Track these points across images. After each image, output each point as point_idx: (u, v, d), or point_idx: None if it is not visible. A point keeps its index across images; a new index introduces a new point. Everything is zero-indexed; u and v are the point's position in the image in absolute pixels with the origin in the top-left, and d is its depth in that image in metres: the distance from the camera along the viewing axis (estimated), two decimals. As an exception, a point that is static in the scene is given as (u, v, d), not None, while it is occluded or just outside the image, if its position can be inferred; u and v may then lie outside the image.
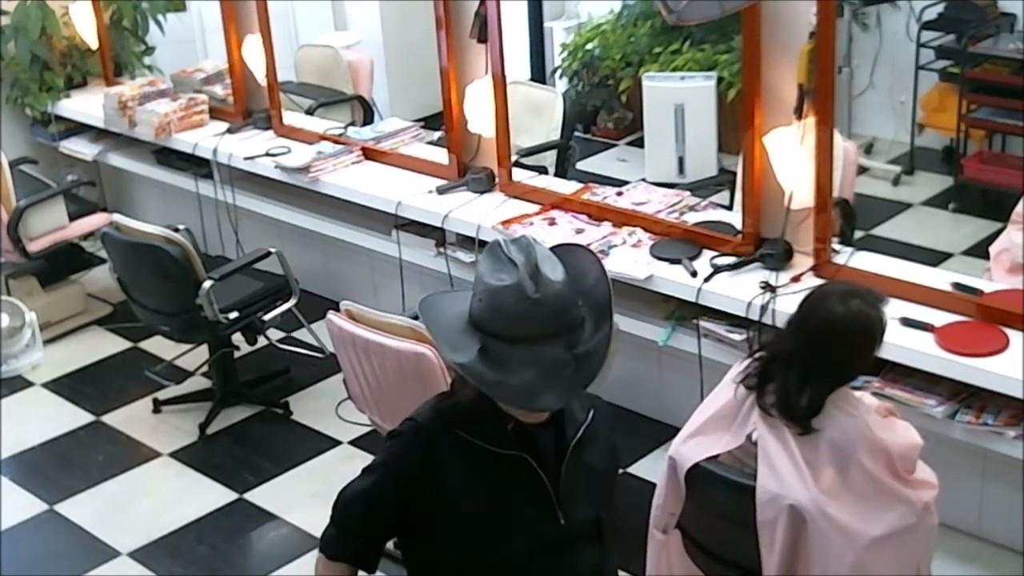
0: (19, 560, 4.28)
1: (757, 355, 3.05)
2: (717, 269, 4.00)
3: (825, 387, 2.91)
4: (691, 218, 4.33)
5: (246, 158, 5.37)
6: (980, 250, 4.93)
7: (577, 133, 6.54)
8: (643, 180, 4.90)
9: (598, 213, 4.45)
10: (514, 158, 4.82)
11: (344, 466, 4.52)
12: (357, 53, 6.48)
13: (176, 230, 4.77)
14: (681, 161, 6.27)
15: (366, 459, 2.49)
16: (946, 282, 3.78)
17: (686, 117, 6.21)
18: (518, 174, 4.77)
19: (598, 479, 2.45)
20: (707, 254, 4.11)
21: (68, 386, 5.35)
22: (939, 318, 3.65)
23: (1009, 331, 3.55)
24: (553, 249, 2.33)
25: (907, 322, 3.64)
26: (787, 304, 3.65)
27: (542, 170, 5.02)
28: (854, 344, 2.92)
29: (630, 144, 6.99)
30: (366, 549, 2.44)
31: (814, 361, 2.91)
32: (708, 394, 3.21)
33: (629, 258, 4.16)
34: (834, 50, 3.74)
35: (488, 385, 2.25)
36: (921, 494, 2.99)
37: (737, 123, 4.66)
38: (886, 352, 3.59)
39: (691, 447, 3.09)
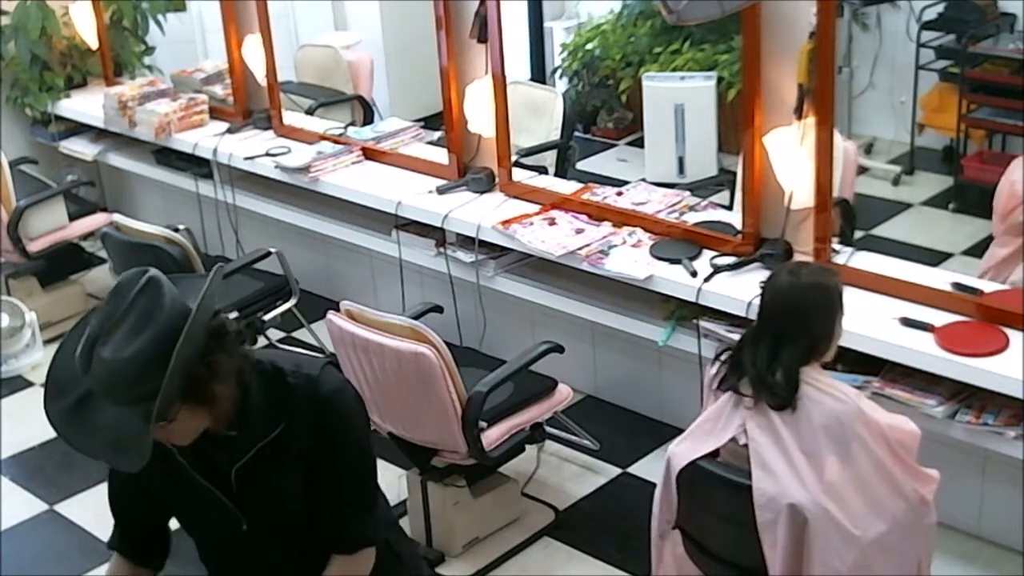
0: (19, 560, 4.28)
1: (724, 357, 3.07)
2: (717, 269, 4.00)
3: (794, 359, 2.93)
4: (691, 218, 4.32)
5: (246, 158, 5.37)
6: (980, 250, 4.91)
7: (577, 133, 6.54)
8: (643, 180, 4.89)
9: (598, 213, 4.45)
10: (514, 158, 4.81)
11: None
12: (357, 53, 6.48)
13: (176, 230, 4.77)
14: (681, 161, 6.26)
15: (365, 459, 2.49)
16: (946, 282, 3.78)
17: (686, 117, 6.20)
18: (518, 174, 4.77)
19: (294, 484, 2.46)
20: (707, 254, 4.11)
21: (68, 386, 5.34)
22: (939, 318, 3.64)
23: (1009, 331, 3.55)
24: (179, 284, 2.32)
25: (907, 322, 3.64)
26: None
27: (542, 170, 5.02)
28: (809, 308, 2.95)
29: (630, 144, 6.99)
30: (133, 540, 2.65)
31: (776, 334, 2.94)
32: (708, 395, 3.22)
33: (629, 258, 4.16)
34: (834, 50, 3.73)
35: (71, 440, 2.31)
36: (921, 487, 2.99)
37: (737, 123, 4.66)
38: (886, 352, 3.61)
39: (683, 449, 3.11)
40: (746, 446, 2.97)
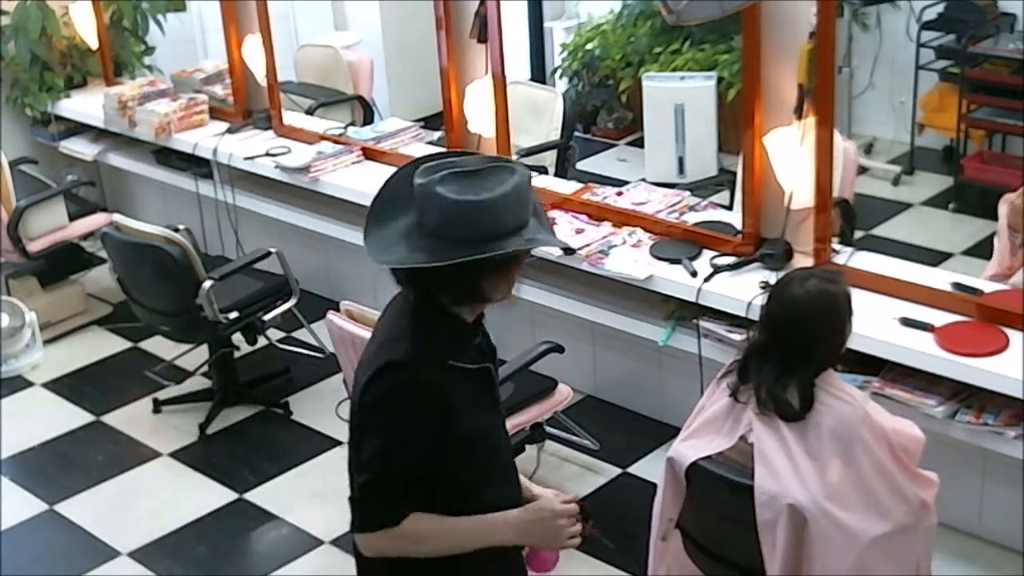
0: (19, 560, 4.28)
1: (738, 356, 3.07)
2: (717, 269, 4.00)
3: (806, 374, 2.92)
4: (691, 218, 4.32)
5: (246, 158, 5.37)
6: (980, 250, 4.93)
7: (577, 133, 6.53)
8: (643, 180, 4.90)
9: (598, 213, 4.45)
10: (514, 158, 4.81)
11: (344, 466, 4.50)
12: (357, 53, 6.48)
13: (176, 230, 4.77)
14: (681, 161, 6.27)
15: (366, 459, 2.49)
16: (946, 282, 3.78)
17: (686, 117, 6.21)
18: (518, 174, 4.76)
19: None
20: (707, 254, 4.11)
21: (68, 386, 5.35)
22: (939, 318, 3.65)
23: (1009, 331, 3.55)
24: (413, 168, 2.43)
25: (907, 322, 3.64)
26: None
27: (542, 170, 5.02)
28: (819, 323, 2.93)
29: (630, 144, 6.99)
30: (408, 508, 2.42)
31: (786, 349, 2.93)
32: (708, 394, 3.22)
33: (629, 258, 4.16)
34: (834, 50, 3.74)
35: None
36: (922, 491, 2.99)
37: (737, 123, 4.65)
38: (886, 352, 3.61)
39: (687, 447, 3.10)
40: (752, 444, 2.97)
